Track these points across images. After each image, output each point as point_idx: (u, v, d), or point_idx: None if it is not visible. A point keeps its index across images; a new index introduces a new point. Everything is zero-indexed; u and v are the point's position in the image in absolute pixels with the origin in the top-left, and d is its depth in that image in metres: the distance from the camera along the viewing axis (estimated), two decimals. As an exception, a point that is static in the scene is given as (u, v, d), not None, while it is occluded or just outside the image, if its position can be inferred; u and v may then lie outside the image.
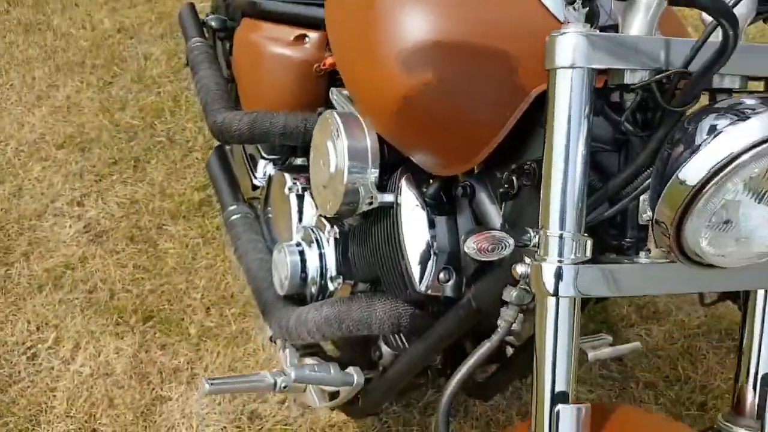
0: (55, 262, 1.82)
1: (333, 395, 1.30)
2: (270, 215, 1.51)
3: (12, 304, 1.72)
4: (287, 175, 1.39)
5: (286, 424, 1.51)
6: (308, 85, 1.47)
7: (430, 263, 1.00)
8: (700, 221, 0.67)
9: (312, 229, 1.28)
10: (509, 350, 1.21)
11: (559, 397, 0.74)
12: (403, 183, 1.03)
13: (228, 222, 1.52)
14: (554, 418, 0.73)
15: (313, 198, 1.29)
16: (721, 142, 0.64)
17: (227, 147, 1.77)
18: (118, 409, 1.52)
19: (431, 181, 1.01)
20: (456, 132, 0.92)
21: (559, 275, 0.72)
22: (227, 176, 1.66)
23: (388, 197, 1.04)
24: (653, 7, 0.71)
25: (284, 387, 1.16)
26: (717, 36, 0.66)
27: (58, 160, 2.12)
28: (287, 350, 1.31)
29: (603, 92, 0.77)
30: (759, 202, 0.67)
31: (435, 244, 1.00)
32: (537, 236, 0.74)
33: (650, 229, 0.72)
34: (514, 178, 0.85)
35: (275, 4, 1.57)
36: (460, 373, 0.82)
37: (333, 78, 1.45)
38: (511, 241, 0.76)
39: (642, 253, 0.76)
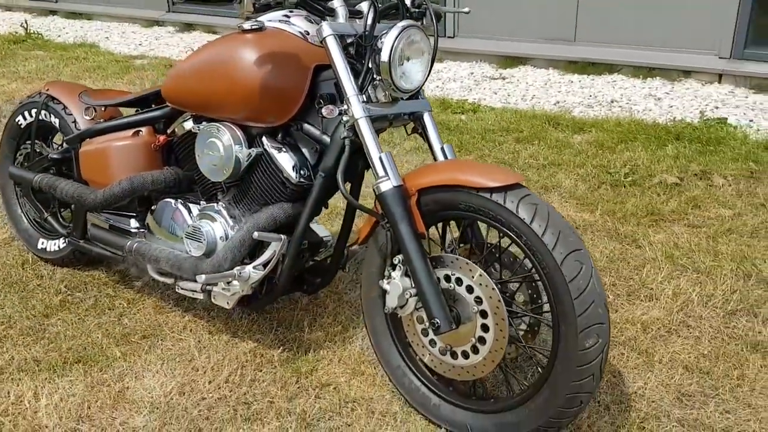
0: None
1: (244, 298, 2.15)
2: (159, 237, 2.32)
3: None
4: (169, 199, 2.27)
5: (219, 367, 2.24)
6: (151, 158, 2.39)
7: (294, 168, 2.03)
8: (395, 71, 1.88)
9: (204, 213, 2.19)
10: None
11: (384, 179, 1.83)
12: (264, 140, 2.06)
13: (133, 249, 2.28)
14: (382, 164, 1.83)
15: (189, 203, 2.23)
16: (385, 43, 1.86)
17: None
18: (100, 400, 2.08)
19: (278, 132, 2.07)
20: (282, 98, 2.00)
21: (358, 107, 1.85)
22: (108, 233, 2.41)
23: (258, 150, 2.05)
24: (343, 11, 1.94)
25: (241, 274, 2.01)
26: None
27: None
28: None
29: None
30: (407, 61, 1.91)
31: (292, 158, 2.04)
32: (346, 104, 1.86)
33: (381, 85, 1.90)
34: (322, 101, 1.97)
35: (107, 123, 2.48)
36: (340, 172, 1.86)
37: (165, 150, 2.40)
38: (337, 109, 1.88)
39: (376, 99, 1.93)
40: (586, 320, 1.65)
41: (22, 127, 2.82)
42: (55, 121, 2.67)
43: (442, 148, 2.05)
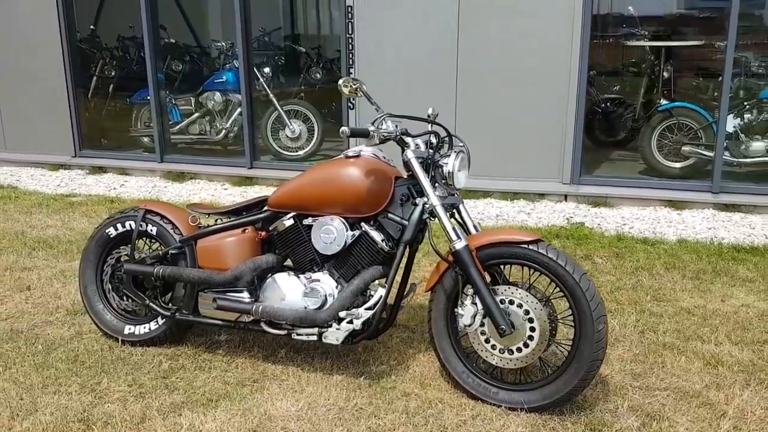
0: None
1: (348, 336, 3.05)
2: (271, 301, 3.16)
3: None
4: (281, 273, 3.17)
5: (326, 391, 3.06)
6: (255, 248, 3.29)
7: (383, 241, 3.06)
8: (456, 178, 3.03)
9: (314, 279, 3.11)
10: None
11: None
12: (363, 224, 3.07)
13: (260, 311, 3.09)
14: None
15: (297, 272, 3.15)
16: (449, 162, 3.03)
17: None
18: (257, 418, 2.81)
19: (370, 219, 3.09)
20: (377, 198, 3.05)
21: (435, 199, 2.96)
22: (234, 303, 3.19)
23: (359, 231, 3.06)
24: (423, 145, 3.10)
25: (358, 314, 2.94)
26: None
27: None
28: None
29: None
30: (458, 172, 3.07)
31: (382, 235, 3.06)
32: (426, 196, 2.97)
33: (440, 186, 3.03)
34: (403, 198, 3.05)
35: (215, 226, 3.33)
36: (431, 240, 2.93)
37: (264, 243, 3.30)
38: (422, 201, 2.98)
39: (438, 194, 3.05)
40: (597, 312, 2.80)
41: (112, 236, 3.53)
42: (152, 229, 3.44)
43: (475, 226, 3.19)
